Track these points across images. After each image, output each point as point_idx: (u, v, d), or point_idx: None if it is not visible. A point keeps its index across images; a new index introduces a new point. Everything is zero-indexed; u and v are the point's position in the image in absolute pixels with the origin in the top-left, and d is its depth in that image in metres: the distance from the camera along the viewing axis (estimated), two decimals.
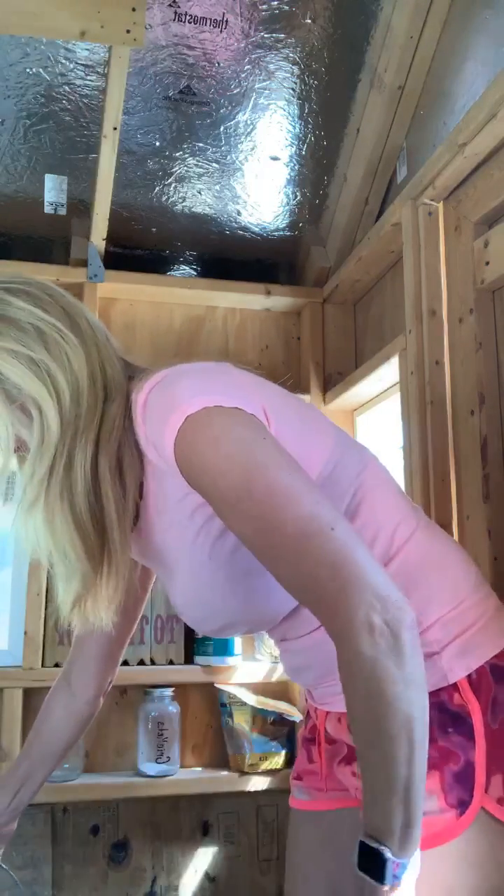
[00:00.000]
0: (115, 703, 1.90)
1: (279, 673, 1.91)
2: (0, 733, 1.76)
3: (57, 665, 1.82)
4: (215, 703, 1.96)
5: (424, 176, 1.57)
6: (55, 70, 1.76)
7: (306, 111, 1.90)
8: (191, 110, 1.87)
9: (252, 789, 1.84)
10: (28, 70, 1.75)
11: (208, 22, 1.71)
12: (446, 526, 1.48)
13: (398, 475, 1.70)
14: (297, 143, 1.97)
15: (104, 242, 1.99)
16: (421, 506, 1.52)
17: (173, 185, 2.03)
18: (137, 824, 1.89)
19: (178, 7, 1.68)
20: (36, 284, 1.00)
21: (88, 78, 1.78)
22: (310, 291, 2.17)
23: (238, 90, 1.84)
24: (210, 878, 1.91)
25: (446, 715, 0.91)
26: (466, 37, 1.59)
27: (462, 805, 0.88)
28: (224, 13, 1.70)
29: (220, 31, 1.73)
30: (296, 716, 1.88)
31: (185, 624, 1.92)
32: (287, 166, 2.02)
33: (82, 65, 1.75)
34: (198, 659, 1.89)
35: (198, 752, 1.95)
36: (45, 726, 1.26)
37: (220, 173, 2.01)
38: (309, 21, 1.73)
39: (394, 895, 0.75)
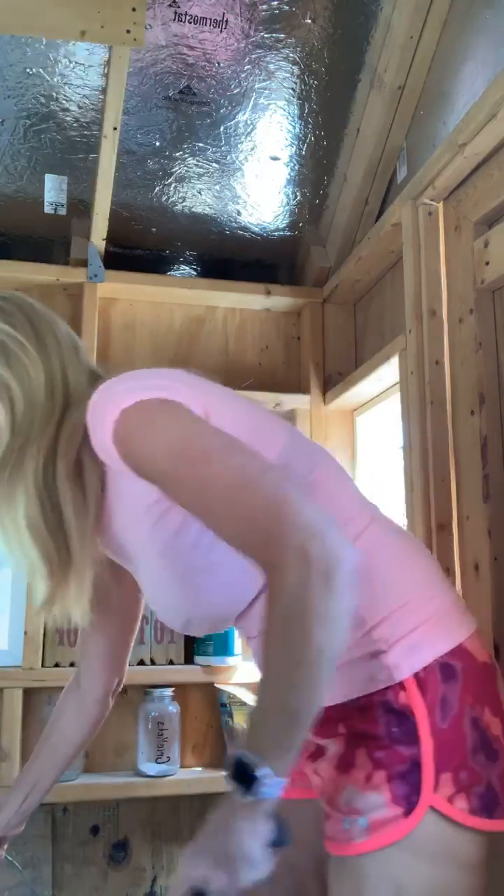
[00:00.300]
0: (115, 703, 1.89)
1: None
2: (0, 733, 1.76)
3: (57, 665, 1.83)
4: (215, 703, 1.96)
5: (424, 176, 1.57)
6: (55, 70, 1.76)
7: (306, 111, 1.90)
8: (191, 110, 1.87)
9: None
10: (28, 70, 1.75)
11: (208, 22, 1.71)
12: (446, 526, 1.48)
13: (398, 475, 1.70)
14: (297, 143, 1.97)
15: (104, 242, 1.99)
16: (421, 506, 1.52)
17: (173, 185, 2.03)
18: (137, 824, 1.89)
19: (178, 7, 1.68)
20: (12, 300, 1.07)
21: (88, 78, 1.78)
22: (310, 291, 2.17)
23: (238, 90, 1.84)
24: None
25: (392, 714, 0.92)
26: (466, 37, 1.59)
27: (409, 804, 0.88)
28: (224, 13, 1.70)
29: (220, 31, 1.73)
30: None
31: None
32: (287, 166, 2.02)
33: (82, 65, 1.75)
34: (198, 659, 1.89)
35: (198, 752, 1.95)
36: (55, 727, 1.29)
37: (220, 173, 2.01)
38: (309, 21, 1.73)
39: (248, 813, 0.77)
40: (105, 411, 0.93)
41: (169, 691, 1.86)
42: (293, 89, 1.86)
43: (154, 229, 2.11)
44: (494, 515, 1.39)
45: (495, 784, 0.91)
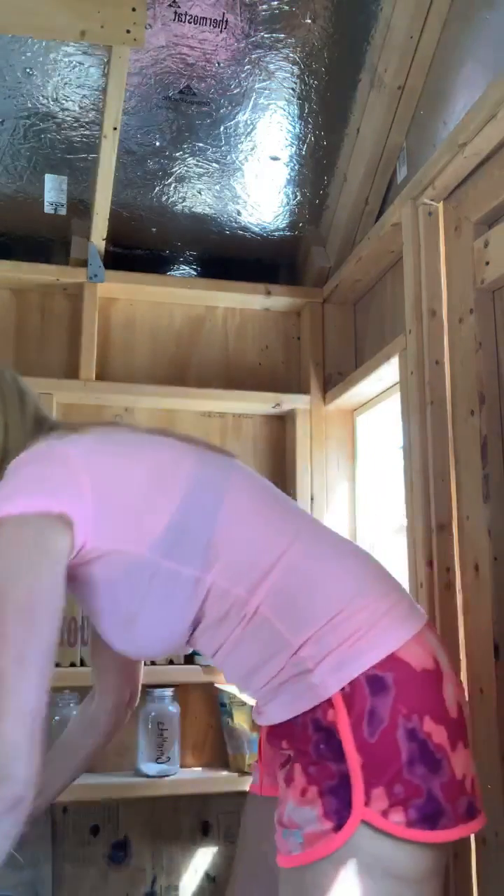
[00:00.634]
0: None
1: None
2: None
3: (58, 665, 1.82)
4: (215, 703, 1.96)
5: (424, 176, 1.57)
6: (55, 70, 1.76)
7: (306, 111, 1.90)
8: (191, 110, 1.87)
9: None
10: (28, 70, 1.75)
11: (208, 22, 1.71)
12: (446, 526, 1.48)
13: (398, 475, 1.70)
14: (297, 143, 1.97)
15: (104, 242, 1.99)
16: (421, 506, 1.52)
17: (173, 185, 2.03)
18: (137, 824, 1.89)
19: (178, 7, 1.68)
20: None
21: (88, 78, 1.78)
22: (310, 291, 2.17)
23: (238, 90, 1.84)
24: (210, 878, 1.91)
25: (321, 731, 0.92)
26: (466, 37, 1.59)
27: (340, 818, 0.89)
28: (224, 13, 1.70)
29: (220, 31, 1.73)
30: None
31: None
32: (287, 166, 2.02)
33: (82, 65, 1.75)
34: (198, 659, 1.89)
35: (198, 752, 1.95)
36: (66, 736, 1.32)
37: (220, 173, 2.01)
38: (309, 21, 1.73)
39: None
40: None
41: (169, 691, 1.86)
42: (293, 89, 1.86)
43: (154, 229, 2.11)
44: (494, 515, 1.39)
45: (438, 795, 0.90)
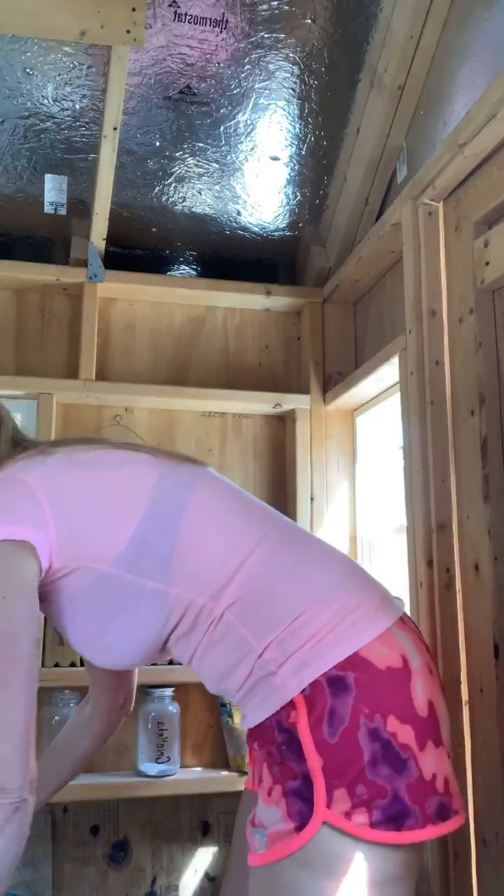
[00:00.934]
0: None
1: None
2: None
3: (57, 665, 1.83)
4: (215, 703, 1.96)
5: (424, 176, 1.57)
6: (55, 70, 1.76)
7: (306, 111, 1.90)
8: (191, 110, 1.87)
9: None
10: (28, 70, 1.75)
11: (208, 22, 1.71)
12: (446, 526, 1.48)
13: (398, 475, 1.70)
14: (297, 143, 1.97)
15: (104, 242, 1.99)
16: (421, 506, 1.52)
17: (173, 185, 2.03)
18: (137, 824, 1.89)
19: (178, 7, 1.68)
20: None
21: (88, 78, 1.78)
22: (310, 291, 2.17)
23: (238, 90, 1.84)
24: (210, 878, 1.91)
25: (284, 733, 0.93)
26: (466, 37, 1.59)
27: (302, 819, 0.89)
28: (224, 13, 1.70)
29: (220, 31, 1.73)
30: None
31: None
32: (287, 166, 2.02)
33: (82, 65, 1.75)
34: None
35: (198, 752, 1.95)
36: (61, 738, 1.34)
37: (220, 173, 2.01)
38: (309, 21, 1.73)
39: None
40: None
41: (169, 691, 1.86)
42: (293, 89, 1.86)
43: (154, 229, 2.11)
44: (494, 515, 1.39)
45: (404, 795, 0.89)
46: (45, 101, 1.82)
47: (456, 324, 1.53)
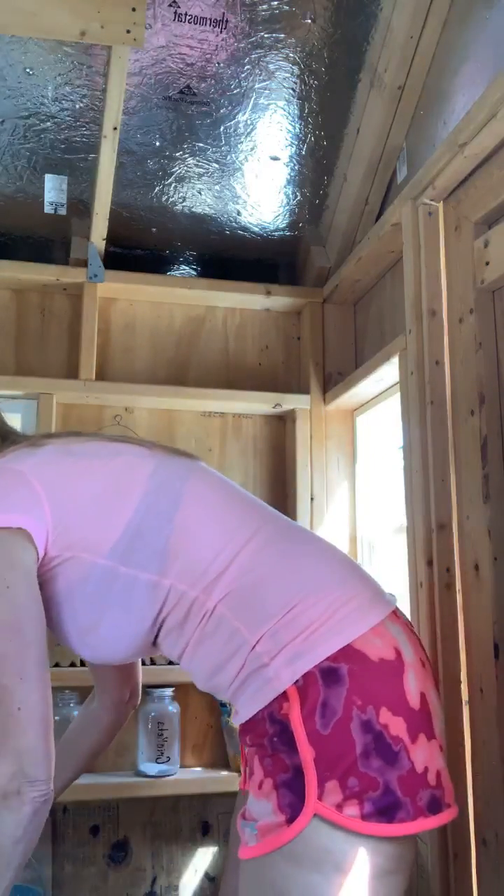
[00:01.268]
0: None
1: None
2: None
3: (57, 665, 1.82)
4: (215, 703, 1.96)
5: (424, 176, 1.57)
6: (55, 70, 1.76)
7: (306, 111, 1.90)
8: (191, 110, 1.87)
9: None
10: (28, 70, 1.75)
11: (208, 22, 1.71)
12: (446, 526, 1.48)
13: (398, 475, 1.70)
14: (297, 143, 1.97)
15: (104, 242, 1.99)
16: (421, 506, 1.52)
17: (173, 185, 2.03)
18: (137, 824, 1.89)
19: (178, 7, 1.68)
20: None
21: (88, 78, 1.78)
22: (310, 291, 2.17)
23: (238, 90, 1.84)
24: (210, 878, 1.91)
25: (276, 724, 0.93)
26: (466, 37, 1.59)
27: (293, 811, 0.88)
28: (224, 13, 1.70)
29: (220, 31, 1.73)
30: None
31: None
32: (287, 166, 2.02)
33: (82, 65, 1.75)
34: None
35: (198, 752, 1.95)
36: (69, 735, 1.34)
37: (220, 173, 2.01)
38: (309, 21, 1.73)
39: None
40: None
41: (169, 691, 1.86)
42: (293, 89, 1.86)
43: (154, 229, 2.12)
44: (494, 515, 1.39)
45: (395, 787, 0.88)
46: (45, 101, 1.82)
47: (456, 324, 1.53)
